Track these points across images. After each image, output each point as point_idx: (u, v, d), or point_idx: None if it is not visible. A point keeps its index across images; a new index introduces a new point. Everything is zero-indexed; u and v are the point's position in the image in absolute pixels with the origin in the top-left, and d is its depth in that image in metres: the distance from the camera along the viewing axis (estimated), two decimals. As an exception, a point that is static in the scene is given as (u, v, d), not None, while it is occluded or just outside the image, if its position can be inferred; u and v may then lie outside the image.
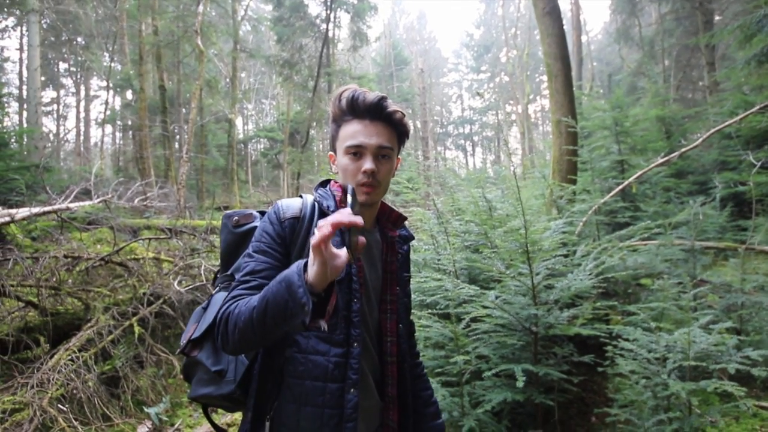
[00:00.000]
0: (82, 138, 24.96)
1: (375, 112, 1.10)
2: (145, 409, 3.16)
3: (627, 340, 2.42)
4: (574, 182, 4.96)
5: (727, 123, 5.33)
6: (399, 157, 1.22)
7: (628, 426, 2.24)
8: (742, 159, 6.77)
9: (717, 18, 14.35)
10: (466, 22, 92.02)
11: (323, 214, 1.14)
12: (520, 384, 1.86)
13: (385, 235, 1.24)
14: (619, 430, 2.27)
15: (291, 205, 1.15)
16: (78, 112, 25.21)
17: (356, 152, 1.10)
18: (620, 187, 4.88)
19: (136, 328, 3.59)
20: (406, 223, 1.30)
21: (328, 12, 17.38)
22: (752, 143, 7.16)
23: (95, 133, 25.34)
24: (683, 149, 5.01)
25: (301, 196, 1.20)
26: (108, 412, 2.89)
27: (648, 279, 4.02)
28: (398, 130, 1.15)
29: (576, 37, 17.64)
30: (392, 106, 1.11)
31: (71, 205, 6.24)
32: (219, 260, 1.31)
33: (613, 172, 6.21)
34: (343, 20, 18.85)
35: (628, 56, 20.50)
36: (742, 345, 2.38)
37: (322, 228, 0.78)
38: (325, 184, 1.24)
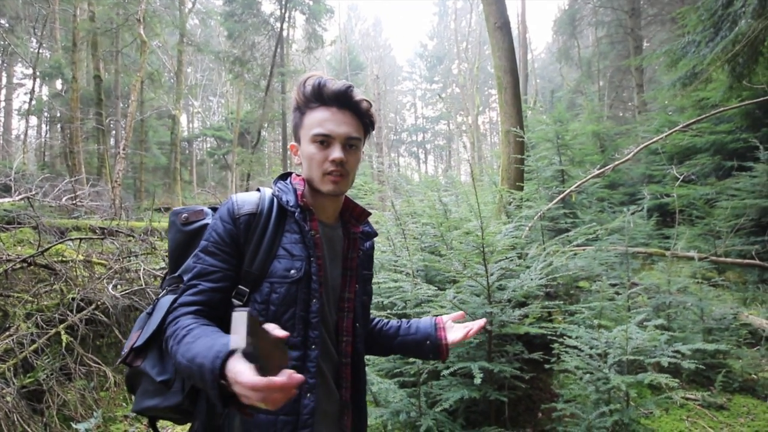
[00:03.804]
0: (2, 129, 22.53)
1: (342, 100, 1.06)
2: (74, 426, 2.87)
3: (571, 337, 2.56)
4: (521, 189, 5.19)
5: (653, 140, 5.84)
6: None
7: (573, 420, 2.36)
8: (666, 173, 7.46)
9: (646, 44, 15.79)
10: (421, 32, 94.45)
11: (282, 209, 1.08)
12: (477, 381, 1.90)
13: (347, 231, 1.19)
14: (564, 424, 2.38)
15: (247, 199, 1.08)
16: (-3, 101, 22.75)
17: (324, 141, 1.05)
18: (561, 195, 5.18)
19: (64, 337, 3.26)
20: (371, 220, 1.27)
21: (283, 11, 17.08)
22: (675, 159, 7.92)
23: (17, 124, 22.96)
24: (616, 163, 5.41)
25: (259, 190, 1.12)
26: (29, 430, 2.59)
27: (586, 282, 4.29)
28: (364, 120, 1.12)
29: (522, 54, 18.64)
30: (359, 95, 1.08)
31: (-13, 202, 5.60)
32: (161, 262, 1.22)
33: (555, 182, 6.58)
34: (298, 21, 18.66)
35: (568, 75, 22.02)
36: (671, 341, 2.60)
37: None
38: (285, 177, 1.18)
